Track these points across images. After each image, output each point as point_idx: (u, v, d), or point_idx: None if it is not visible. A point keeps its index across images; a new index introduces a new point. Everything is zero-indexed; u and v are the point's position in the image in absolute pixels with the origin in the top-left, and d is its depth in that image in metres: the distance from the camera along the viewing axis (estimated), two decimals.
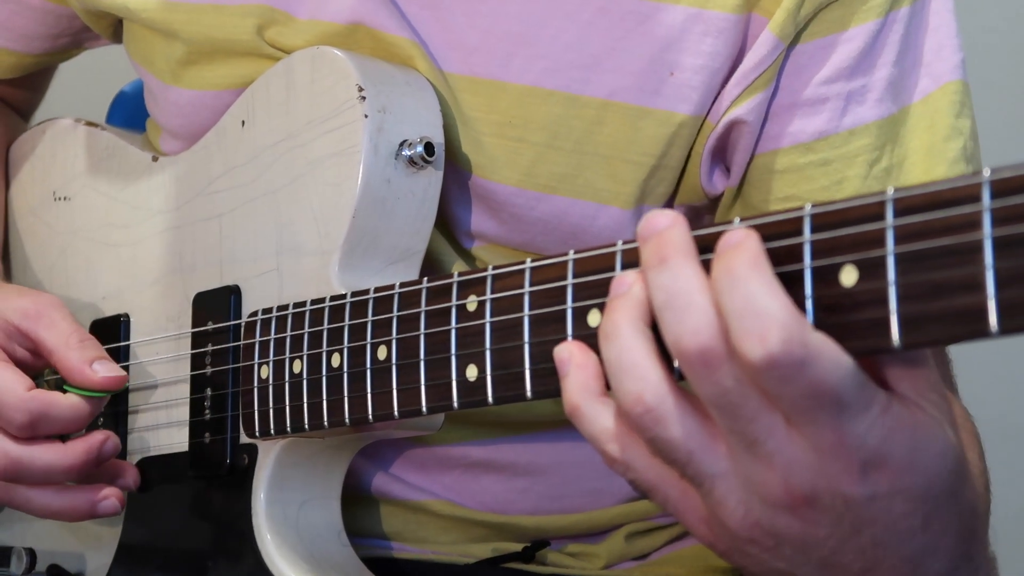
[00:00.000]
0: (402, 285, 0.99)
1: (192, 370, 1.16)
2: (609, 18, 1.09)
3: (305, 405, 1.05)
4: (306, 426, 1.05)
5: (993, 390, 2.14)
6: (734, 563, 0.83)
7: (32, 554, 1.28)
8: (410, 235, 1.10)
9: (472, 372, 0.93)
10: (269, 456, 1.11)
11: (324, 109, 1.10)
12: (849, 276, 0.74)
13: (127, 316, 1.25)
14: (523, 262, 0.90)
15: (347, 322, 1.03)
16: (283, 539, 1.11)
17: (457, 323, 0.94)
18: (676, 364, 0.79)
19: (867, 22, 1.09)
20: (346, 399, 1.02)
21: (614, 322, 0.79)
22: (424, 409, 0.96)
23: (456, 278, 0.95)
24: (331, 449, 1.13)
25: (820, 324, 0.75)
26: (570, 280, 0.87)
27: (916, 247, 0.72)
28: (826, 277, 0.75)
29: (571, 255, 0.87)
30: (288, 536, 1.11)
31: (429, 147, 1.08)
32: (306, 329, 1.06)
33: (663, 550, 1.22)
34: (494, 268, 0.92)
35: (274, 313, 1.09)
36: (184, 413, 1.17)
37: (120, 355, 1.24)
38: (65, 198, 1.33)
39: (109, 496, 1.14)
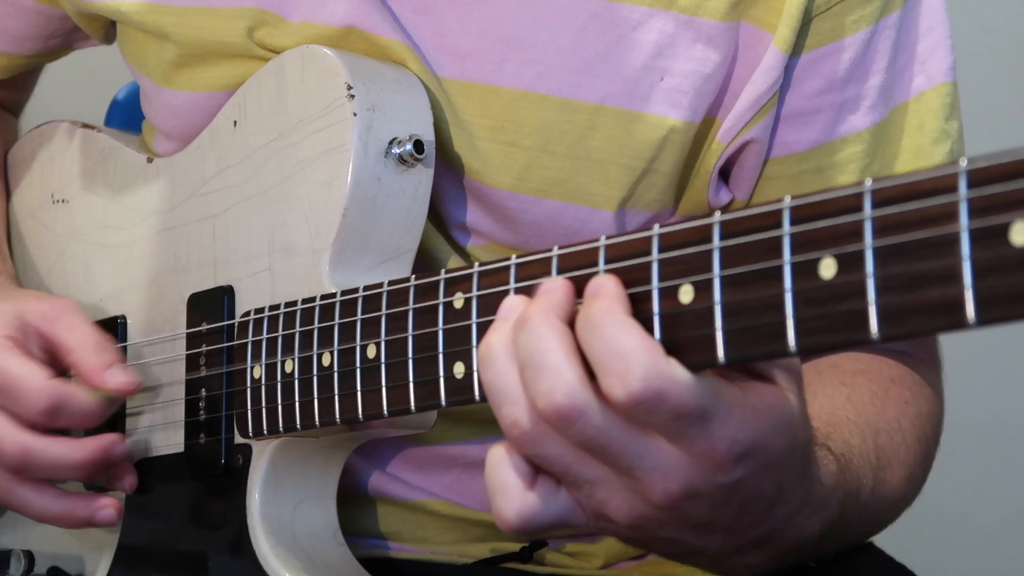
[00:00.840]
0: (390, 283, 0.99)
1: (187, 371, 1.16)
2: (601, 24, 1.09)
3: (297, 405, 1.05)
4: (298, 426, 1.05)
5: (993, 390, 2.14)
6: (637, 547, 0.91)
7: (31, 556, 1.28)
8: (401, 233, 1.10)
9: (459, 369, 0.92)
10: (263, 456, 1.11)
11: (314, 108, 1.10)
12: (828, 269, 0.74)
13: (124, 318, 1.25)
14: (508, 259, 0.90)
15: (337, 321, 1.02)
16: (278, 539, 1.11)
17: (444, 321, 0.94)
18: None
19: (859, 31, 1.10)
20: (336, 398, 1.02)
21: (489, 345, 0.83)
22: (413, 407, 0.96)
23: (443, 275, 0.95)
24: (326, 449, 1.13)
25: (800, 318, 0.75)
26: (554, 276, 0.87)
27: (894, 239, 0.71)
28: (806, 270, 0.75)
29: (555, 251, 0.87)
30: (283, 536, 1.11)
31: (419, 145, 1.08)
32: (297, 329, 1.06)
33: (671, 557, 1.22)
34: (480, 265, 0.92)
35: (266, 313, 1.09)
36: (180, 414, 1.17)
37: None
38: (63, 200, 1.33)
39: (108, 506, 1.15)
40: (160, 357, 1.20)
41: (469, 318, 0.92)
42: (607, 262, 0.84)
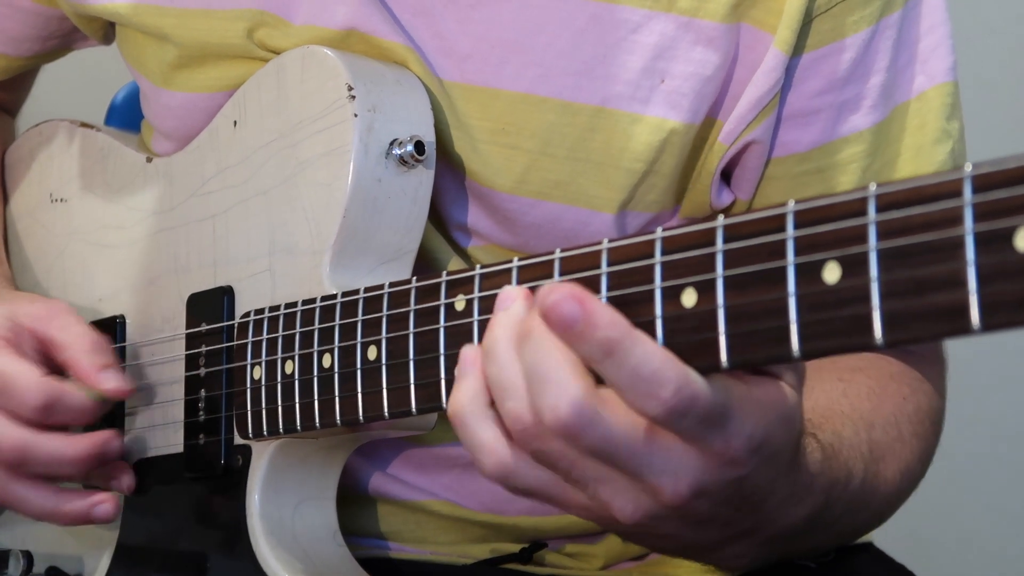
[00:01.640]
0: (391, 285, 0.99)
1: (186, 371, 1.16)
2: (601, 26, 1.09)
3: (297, 406, 1.05)
4: (298, 427, 1.05)
5: (993, 390, 2.14)
6: (632, 542, 0.92)
7: (29, 557, 1.28)
8: (402, 234, 1.10)
9: None
10: (263, 457, 1.11)
11: (314, 109, 1.10)
12: (832, 273, 0.74)
13: (123, 317, 1.25)
14: (510, 261, 0.90)
15: (337, 322, 1.02)
16: (278, 540, 1.10)
17: (445, 322, 0.94)
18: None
19: (860, 31, 1.10)
20: (337, 400, 1.02)
21: (494, 338, 0.83)
22: (414, 409, 0.96)
23: (444, 277, 0.94)
24: (325, 449, 1.12)
25: (804, 322, 0.75)
26: (556, 279, 0.87)
27: (898, 243, 0.71)
28: (809, 275, 0.75)
29: (557, 254, 0.87)
30: (283, 537, 1.11)
31: (420, 146, 1.08)
32: (297, 329, 1.06)
33: (663, 552, 1.22)
34: (482, 267, 0.92)
35: (266, 314, 1.09)
36: (179, 414, 1.17)
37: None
38: (62, 200, 1.33)
39: (105, 501, 1.15)
40: (159, 357, 1.20)
41: (471, 318, 0.92)
42: (609, 265, 0.84)
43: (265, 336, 1.08)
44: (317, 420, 1.03)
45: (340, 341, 1.02)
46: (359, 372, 1.00)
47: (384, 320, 0.98)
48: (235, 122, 1.17)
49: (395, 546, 1.22)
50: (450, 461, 1.20)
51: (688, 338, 0.80)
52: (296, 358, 1.05)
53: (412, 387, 0.96)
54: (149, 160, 1.25)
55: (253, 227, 1.14)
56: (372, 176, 1.08)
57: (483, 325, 0.91)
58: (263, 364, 1.08)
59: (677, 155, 1.12)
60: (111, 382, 1.13)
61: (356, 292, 1.01)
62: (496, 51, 1.11)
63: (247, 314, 1.11)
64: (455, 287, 0.94)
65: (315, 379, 1.03)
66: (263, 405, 1.08)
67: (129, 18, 1.19)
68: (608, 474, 0.83)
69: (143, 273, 1.24)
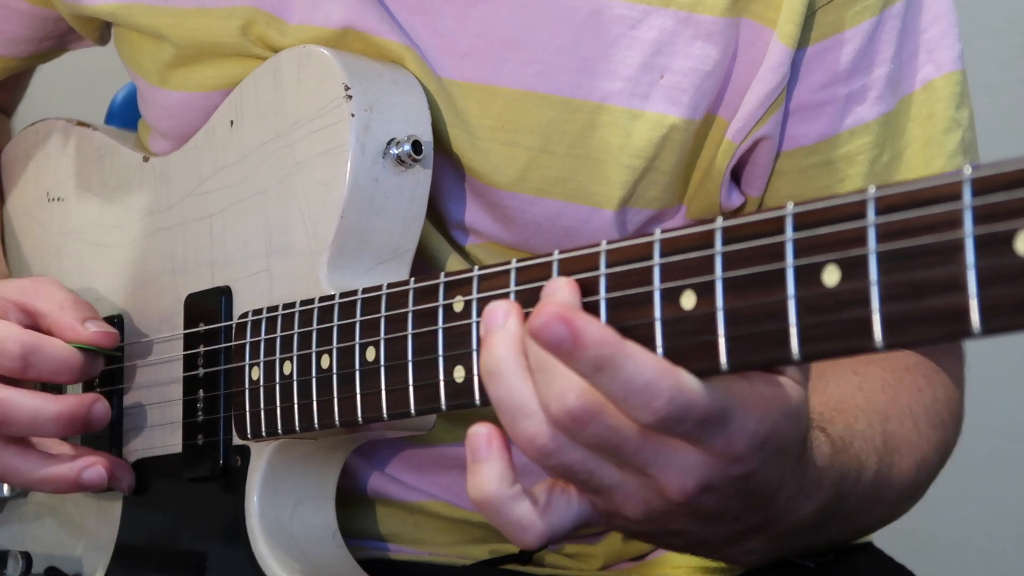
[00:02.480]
0: (390, 286, 0.98)
1: (184, 371, 1.16)
2: (600, 22, 1.09)
3: (296, 407, 1.05)
4: (297, 428, 1.05)
5: (993, 391, 2.14)
6: (642, 541, 0.92)
7: (28, 557, 1.28)
8: (400, 234, 1.09)
9: (459, 373, 0.92)
10: (262, 458, 1.11)
11: (311, 108, 1.10)
12: (832, 276, 0.73)
13: (120, 317, 1.24)
14: (509, 262, 0.90)
15: (336, 323, 1.02)
16: (276, 541, 1.10)
17: (444, 324, 0.94)
18: None
19: (862, 22, 1.10)
20: (336, 401, 1.01)
21: (497, 359, 0.82)
22: (413, 411, 0.96)
23: (443, 279, 0.94)
24: (324, 450, 1.12)
25: (803, 325, 0.75)
26: (557, 277, 0.86)
27: (898, 246, 0.71)
28: (809, 277, 0.74)
29: (556, 255, 0.87)
30: (282, 538, 1.11)
31: (417, 145, 1.08)
32: (296, 330, 1.05)
33: (660, 550, 1.22)
34: (480, 269, 0.92)
35: (264, 314, 1.09)
36: (178, 414, 1.17)
37: (114, 357, 1.24)
38: (59, 199, 1.33)
39: (94, 464, 1.13)
40: (157, 357, 1.20)
41: (469, 321, 0.92)
42: (608, 266, 0.84)
43: (263, 337, 1.08)
44: (316, 421, 1.03)
45: (338, 342, 1.01)
46: (357, 373, 0.99)
47: (382, 321, 0.98)
48: (232, 122, 1.17)
49: (394, 547, 1.22)
50: (449, 462, 1.20)
51: (687, 340, 0.79)
52: (294, 359, 1.05)
53: (411, 388, 0.95)
54: (146, 159, 1.25)
55: (250, 227, 1.14)
56: (369, 176, 1.07)
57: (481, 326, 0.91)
58: (261, 365, 1.08)
59: (677, 151, 1.11)
60: (91, 328, 1.13)
61: (354, 293, 1.01)
62: (495, 48, 1.10)
63: (245, 314, 1.10)
64: (453, 288, 0.93)
65: (313, 380, 1.03)
66: (262, 406, 1.07)
67: (124, 18, 1.19)
68: (622, 479, 0.83)
69: (140, 273, 1.24)
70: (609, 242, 0.84)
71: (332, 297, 1.03)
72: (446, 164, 1.13)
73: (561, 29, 1.10)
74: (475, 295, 0.92)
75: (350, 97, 1.07)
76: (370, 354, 0.99)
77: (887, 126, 1.12)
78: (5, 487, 1.30)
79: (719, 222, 0.79)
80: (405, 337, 0.96)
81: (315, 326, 1.04)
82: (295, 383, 1.05)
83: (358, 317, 1.00)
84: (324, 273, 1.08)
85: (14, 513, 1.32)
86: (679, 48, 1.09)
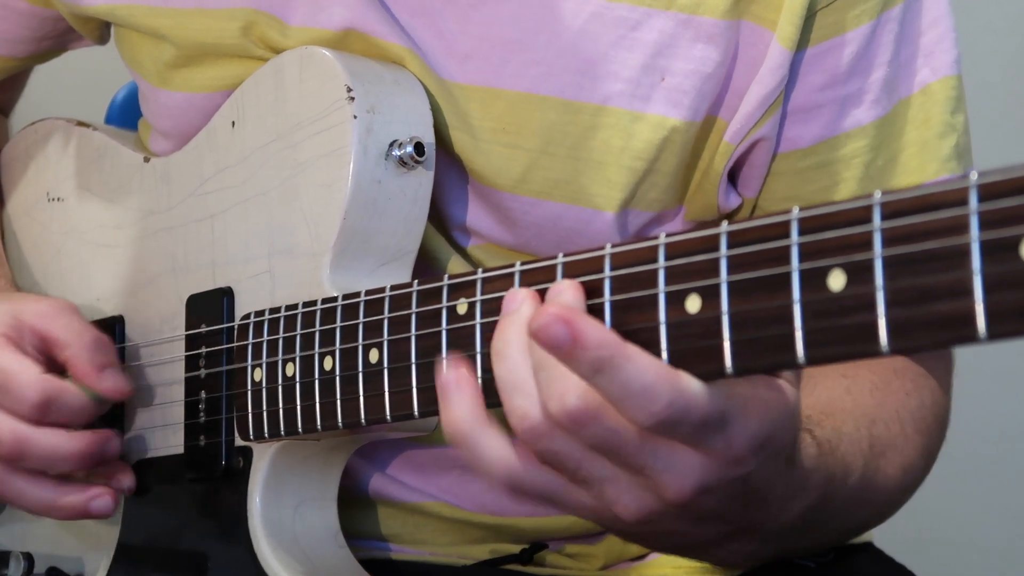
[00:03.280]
0: (393, 288, 0.98)
1: (186, 372, 1.16)
2: (602, 24, 1.09)
3: (298, 408, 1.05)
4: (299, 429, 1.05)
5: (993, 391, 2.14)
6: (633, 542, 0.94)
7: (30, 558, 1.28)
8: (402, 235, 1.10)
9: None
10: (264, 459, 1.11)
11: (313, 110, 1.10)
12: (837, 280, 0.74)
13: (122, 318, 1.24)
14: (512, 265, 0.90)
15: (338, 324, 1.02)
16: (279, 541, 1.10)
17: (448, 326, 0.94)
18: None
19: (861, 25, 1.10)
20: (339, 402, 1.02)
21: (505, 340, 0.84)
22: (416, 412, 0.96)
23: (446, 281, 0.94)
24: (326, 451, 1.12)
25: (808, 329, 0.75)
26: (562, 280, 0.86)
27: (904, 251, 0.71)
28: (814, 282, 0.75)
29: (560, 258, 0.87)
30: (284, 539, 1.11)
31: (419, 147, 1.08)
32: (298, 331, 1.05)
33: (663, 551, 1.22)
34: (484, 271, 0.92)
35: (266, 316, 1.09)
36: (179, 415, 1.17)
37: None
38: (59, 199, 1.33)
39: (103, 495, 1.15)
40: (159, 358, 1.20)
41: (472, 322, 0.92)
42: (613, 269, 0.84)
43: (266, 338, 1.08)
44: (319, 422, 1.03)
45: (341, 344, 1.02)
46: (360, 375, 1.00)
47: (386, 323, 0.98)
48: (233, 122, 1.17)
49: (395, 547, 1.22)
50: (450, 462, 1.20)
51: (692, 344, 0.80)
52: (297, 360, 1.05)
53: (414, 390, 0.96)
54: (147, 160, 1.25)
55: (252, 228, 1.14)
56: (372, 178, 1.07)
57: (485, 329, 0.91)
58: (264, 366, 1.08)
59: (678, 153, 1.12)
60: (109, 382, 1.13)
61: (357, 295, 1.01)
62: (497, 51, 1.10)
63: (247, 316, 1.11)
64: (457, 290, 0.93)
65: (316, 381, 1.03)
66: (264, 407, 1.07)
67: (124, 18, 1.19)
68: (613, 472, 0.83)
69: (141, 273, 1.24)
70: (614, 245, 0.84)
71: (335, 299, 1.03)
72: (448, 165, 1.13)
73: (562, 31, 1.10)
74: (479, 297, 0.92)
75: (352, 99, 1.07)
76: (373, 356, 0.99)
77: (883, 129, 1.12)
78: (12, 566, 1.30)
79: (724, 226, 0.79)
80: (408, 339, 0.96)
81: (318, 327, 1.04)
82: (298, 385, 1.05)
83: (361, 319, 1.00)
84: (326, 274, 1.08)
85: (16, 513, 1.32)
86: (680, 50, 1.09)
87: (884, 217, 0.72)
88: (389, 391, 0.97)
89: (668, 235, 0.82)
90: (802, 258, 0.75)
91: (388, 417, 0.98)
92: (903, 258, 0.71)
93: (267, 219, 1.13)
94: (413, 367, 0.96)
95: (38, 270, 1.34)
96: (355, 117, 1.07)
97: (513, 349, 0.83)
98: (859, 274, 0.73)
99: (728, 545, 0.92)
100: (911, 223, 0.71)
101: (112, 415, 1.22)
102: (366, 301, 1.00)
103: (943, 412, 1.16)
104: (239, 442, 1.12)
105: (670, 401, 0.78)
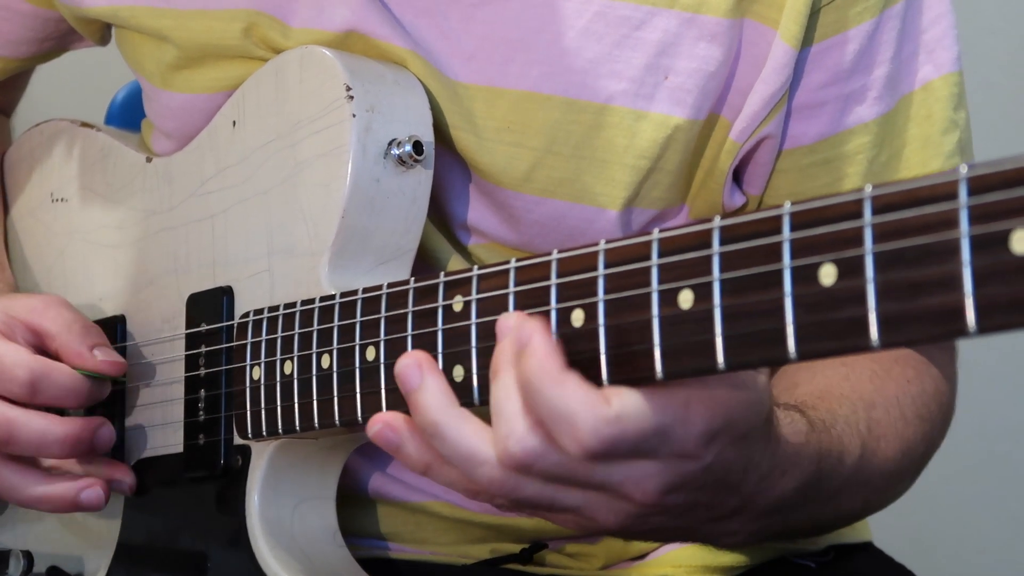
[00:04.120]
0: (390, 286, 0.99)
1: (186, 371, 1.16)
2: (605, 23, 1.09)
3: (296, 406, 1.05)
4: (297, 427, 1.05)
5: (993, 390, 2.14)
6: (637, 540, 1.00)
7: (30, 557, 1.28)
8: (401, 234, 1.10)
9: (459, 372, 0.92)
10: (263, 457, 1.11)
11: (313, 109, 1.10)
12: (828, 275, 0.74)
13: (123, 317, 1.25)
14: (508, 262, 0.90)
15: (336, 323, 1.02)
16: (277, 540, 1.10)
17: (444, 323, 0.94)
18: None
19: (863, 22, 1.10)
20: (336, 400, 1.02)
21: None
22: None
23: (442, 278, 0.94)
24: (325, 450, 1.12)
25: (800, 324, 0.75)
26: (553, 280, 0.87)
27: (894, 246, 0.71)
28: (806, 276, 0.75)
29: (554, 255, 0.87)
30: (282, 537, 1.11)
31: (418, 146, 1.08)
32: (296, 330, 1.06)
33: (661, 550, 1.22)
34: (479, 268, 0.92)
35: (265, 314, 1.09)
36: (179, 414, 1.17)
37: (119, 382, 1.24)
38: (63, 199, 1.33)
39: (93, 485, 1.14)
40: (159, 357, 1.20)
41: (468, 321, 0.92)
42: (606, 266, 0.84)
43: (264, 337, 1.08)
44: (316, 420, 1.03)
45: (339, 342, 1.02)
46: (357, 373, 1.00)
47: (382, 321, 0.98)
48: (234, 122, 1.17)
49: (395, 546, 1.22)
50: None
51: (685, 339, 0.80)
52: (295, 359, 1.05)
53: None
54: (149, 160, 1.25)
55: (252, 227, 1.14)
56: (370, 176, 1.07)
57: (480, 327, 0.91)
58: (262, 365, 1.08)
59: (681, 151, 1.12)
60: (100, 356, 1.14)
61: (354, 293, 1.01)
62: (500, 50, 1.11)
63: (246, 314, 1.11)
64: (453, 288, 0.94)
65: (314, 379, 1.03)
66: (262, 405, 1.08)
67: (127, 19, 1.19)
68: (583, 495, 0.86)
69: (143, 273, 1.24)
70: (607, 241, 0.84)
71: (333, 297, 1.03)
72: (452, 163, 1.13)
73: (566, 31, 1.10)
74: (474, 295, 0.92)
75: (351, 98, 1.07)
76: (370, 354, 0.99)
77: (886, 126, 1.13)
78: (12, 565, 1.30)
79: (716, 221, 0.79)
80: (405, 337, 0.96)
81: (316, 326, 1.04)
82: (295, 382, 1.05)
83: (358, 317, 1.00)
84: (325, 273, 1.08)
85: (16, 512, 1.32)
86: (683, 49, 1.09)
87: (875, 212, 0.72)
88: (385, 388, 0.98)
89: (661, 230, 0.82)
90: (794, 253, 0.75)
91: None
92: (893, 252, 0.71)
93: (267, 218, 1.13)
94: None
95: (41, 271, 1.35)
96: (354, 116, 1.07)
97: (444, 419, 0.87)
98: (850, 269, 0.73)
99: (720, 527, 0.93)
100: (901, 217, 0.71)
101: (112, 414, 1.22)
102: (363, 299, 1.00)
103: (946, 400, 1.16)
104: (238, 441, 1.12)
105: (593, 429, 0.80)
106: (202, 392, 1.14)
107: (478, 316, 0.91)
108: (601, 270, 0.84)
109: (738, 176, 1.16)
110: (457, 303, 0.93)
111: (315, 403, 1.03)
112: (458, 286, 0.93)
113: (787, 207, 0.76)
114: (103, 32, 1.29)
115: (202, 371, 1.15)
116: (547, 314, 0.86)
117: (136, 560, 1.21)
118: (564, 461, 0.83)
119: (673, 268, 0.81)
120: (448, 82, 1.12)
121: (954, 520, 2.14)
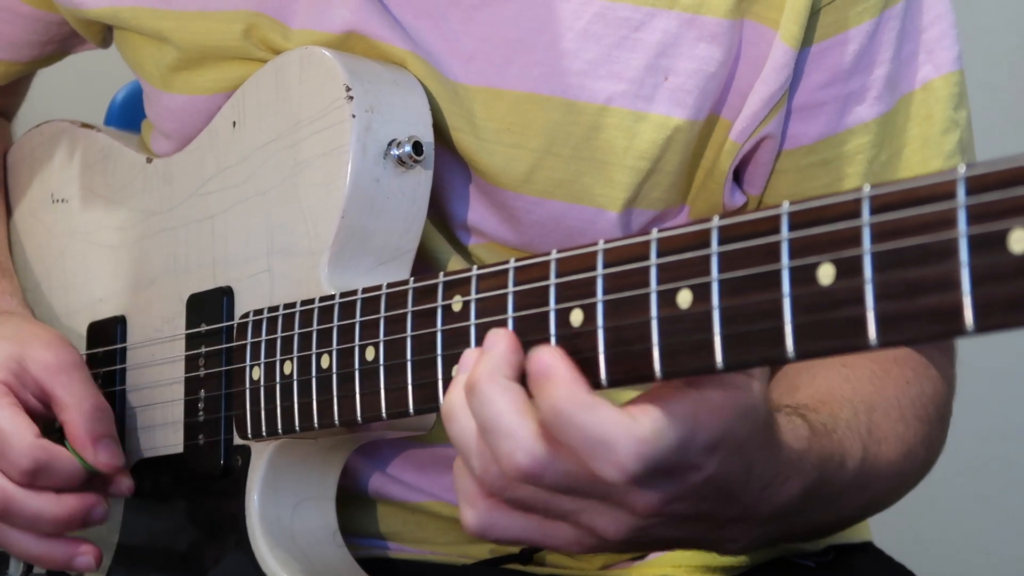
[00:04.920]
0: (389, 286, 0.99)
1: (186, 372, 1.16)
2: (605, 24, 1.09)
3: (296, 406, 1.05)
4: (297, 427, 1.05)
5: (993, 390, 2.14)
6: (638, 550, 0.97)
7: None
8: (400, 235, 1.10)
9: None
10: (262, 458, 1.11)
11: (313, 109, 1.10)
12: (827, 275, 0.74)
13: (123, 318, 1.25)
14: (507, 262, 0.90)
15: (336, 323, 1.02)
16: (277, 540, 1.11)
17: (443, 324, 0.94)
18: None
19: (863, 23, 1.10)
20: (335, 400, 1.02)
21: (450, 404, 0.86)
22: (411, 410, 0.96)
23: (441, 278, 0.94)
24: (325, 450, 1.12)
25: (798, 324, 0.75)
26: (552, 280, 0.87)
27: (892, 245, 0.71)
28: (804, 276, 0.75)
29: (553, 255, 0.87)
30: (282, 538, 1.11)
31: (418, 146, 1.08)
32: (296, 330, 1.06)
33: (661, 550, 1.22)
34: (479, 268, 0.92)
35: (265, 315, 1.09)
36: (179, 414, 1.17)
37: (116, 357, 1.24)
38: (63, 200, 1.33)
39: (86, 553, 1.18)
40: (159, 358, 1.20)
41: (468, 321, 0.92)
42: (605, 266, 0.84)
43: (264, 337, 1.08)
44: (315, 420, 1.03)
45: (338, 342, 1.02)
46: (357, 373, 1.00)
47: (382, 321, 0.98)
48: (234, 123, 1.17)
49: (395, 546, 1.22)
50: (450, 461, 1.18)
51: (683, 339, 0.80)
52: (295, 359, 1.05)
53: (410, 388, 0.96)
54: (149, 160, 1.25)
55: (252, 227, 1.14)
56: (370, 177, 1.07)
57: (479, 328, 0.91)
58: (262, 365, 1.08)
59: (681, 152, 1.12)
60: (103, 455, 1.16)
61: (354, 293, 1.01)
62: (500, 51, 1.11)
63: (246, 315, 1.11)
64: (452, 288, 0.94)
65: (313, 379, 1.03)
66: (262, 406, 1.08)
67: (128, 21, 1.19)
68: (583, 504, 0.85)
69: (143, 273, 1.24)
70: (606, 241, 0.84)
71: (332, 297, 1.03)
72: (452, 164, 1.13)
73: (566, 32, 1.10)
74: (473, 295, 0.92)
75: (351, 98, 1.08)
76: (369, 354, 0.99)
77: (886, 126, 1.13)
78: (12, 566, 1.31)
79: (715, 221, 0.79)
80: (404, 337, 0.96)
81: (315, 326, 1.04)
82: (295, 383, 1.05)
83: (358, 318, 1.00)
84: (325, 273, 1.08)
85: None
86: (683, 50, 1.09)
87: (873, 211, 0.72)
88: (385, 389, 0.98)
89: (660, 230, 0.82)
90: (792, 253, 0.75)
91: (384, 414, 0.98)
92: (892, 252, 0.71)
93: (267, 218, 1.13)
94: (409, 364, 0.96)
95: (42, 271, 1.35)
96: (353, 116, 1.07)
97: (458, 411, 0.86)
98: (848, 268, 0.73)
99: (723, 534, 0.93)
100: (900, 217, 0.71)
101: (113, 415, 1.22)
102: (363, 299, 1.00)
103: (944, 402, 1.16)
104: (238, 441, 1.12)
105: (637, 454, 0.80)
106: (202, 392, 1.14)
107: (477, 316, 0.91)
108: (600, 270, 0.84)
109: (738, 176, 1.16)
110: (456, 303, 0.93)
111: (315, 403, 1.03)
112: (457, 286, 0.93)
113: (785, 207, 0.76)
114: (104, 34, 1.29)
115: (202, 371, 1.15)
116: (546, 314, 0.86)
117: (136, 561, 1.21)
118: (571, 471, 0.82)
119: (672, 268, 0.81)
120: (448, 83, 1.12)
121: (954, 520, 2.14)
